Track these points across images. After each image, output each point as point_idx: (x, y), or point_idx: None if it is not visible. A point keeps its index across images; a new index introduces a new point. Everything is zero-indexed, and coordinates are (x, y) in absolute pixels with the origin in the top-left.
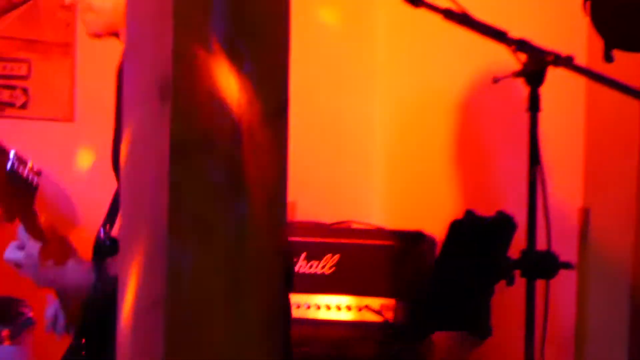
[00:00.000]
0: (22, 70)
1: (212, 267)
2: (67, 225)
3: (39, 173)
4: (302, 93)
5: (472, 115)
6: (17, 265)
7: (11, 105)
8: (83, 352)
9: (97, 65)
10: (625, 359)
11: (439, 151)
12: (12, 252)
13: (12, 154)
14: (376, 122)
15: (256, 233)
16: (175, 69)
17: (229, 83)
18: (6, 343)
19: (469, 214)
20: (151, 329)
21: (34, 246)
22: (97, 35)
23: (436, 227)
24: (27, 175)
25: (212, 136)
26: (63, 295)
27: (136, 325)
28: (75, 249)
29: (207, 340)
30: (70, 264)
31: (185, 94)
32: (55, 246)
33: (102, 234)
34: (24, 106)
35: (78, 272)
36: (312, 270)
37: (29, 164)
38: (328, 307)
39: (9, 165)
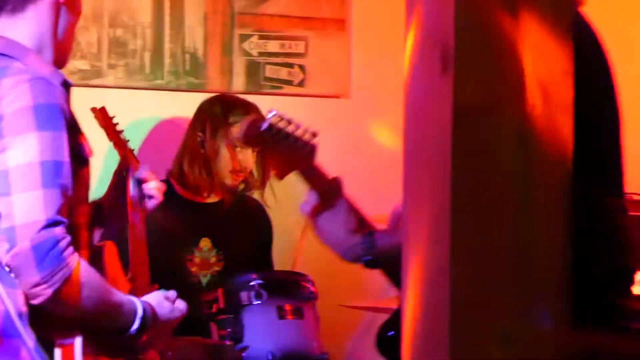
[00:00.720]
0: (300, 47)
1: (495, 238)
2: None
3: (314, 134)
4: None
5: None
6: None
7: (289, 82)
8: None
9: (372, 41)
10: None
11: None
12: (305, 206)
13: (273, 112)
14: None
15: (542, 208)
16: (457, 40)
17: (514, 49)
18: (289, 317)
19: None
20: (437, 295)
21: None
22: None
23: None
24: (295, 131)
25: (496, 101)
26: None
27: (423, 291)
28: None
29: (492, 306)
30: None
31: (466, 63)
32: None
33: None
34: (301, 83)
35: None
36: None
37: (297, 123)
38: None
39: (266, 122)
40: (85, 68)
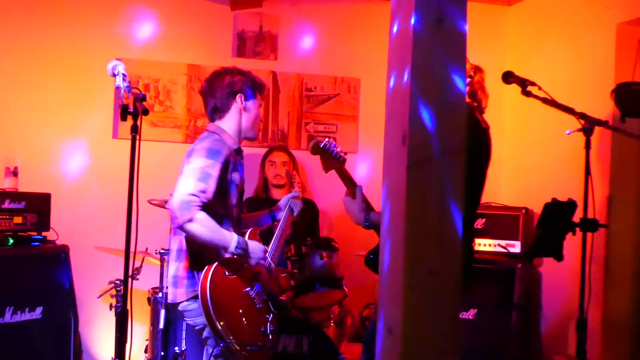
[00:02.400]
0: (333, 128)
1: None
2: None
3: (345, 153)
4: None
5: (559, 148)
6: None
7: None
8: None
9: (369, 127)
10: None
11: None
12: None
13: (326, 139)
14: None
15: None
16: (410, 130)
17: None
18: (325, 259)
19: (553, 200)
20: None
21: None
22: None
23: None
24: (336, 150)
25: (431, 158)
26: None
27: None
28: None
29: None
30: (356, 201)
31: (417, 140)
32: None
33: None
34: None
35: (358, 207)
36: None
37: (338, 148)
38: (478, 244)
39: (322, 144)
40: None
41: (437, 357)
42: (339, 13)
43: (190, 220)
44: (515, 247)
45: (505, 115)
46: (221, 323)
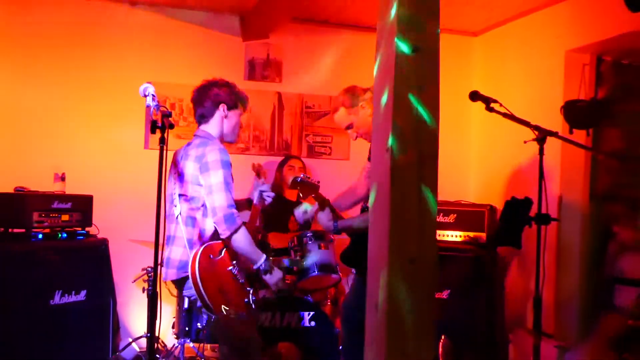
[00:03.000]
0: (329, 139)
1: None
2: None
3: (318, 182)
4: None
5: (518, 154)
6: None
7: (325, 153)
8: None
9: None
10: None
11: (500, 169)
12: (319, 213)
13: (302, 175)
14: (473, 159)
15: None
16: (393, 139)
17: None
18: (323, 248)
19: (513, 198)
20: (380, 239)
21: (317, 209)
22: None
23: (498, 204)
24: (312, 181)
25: (410, 163)
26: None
27: (376, 244)
28: (334, 210)
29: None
30: (325, 213)
31: (399, 148)
32: (324, 207)
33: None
34: (329, 154)
35: (327, 217)
36: (445, 220)
37: (312, 178)
38: (450, 235)
39: (299, 179)
40: (241, 146)
41: (416, 329)
42: (333, 43)
43: (238, 230)
44: (482, 237)
45: (472, 128)
46: (209, 297)
